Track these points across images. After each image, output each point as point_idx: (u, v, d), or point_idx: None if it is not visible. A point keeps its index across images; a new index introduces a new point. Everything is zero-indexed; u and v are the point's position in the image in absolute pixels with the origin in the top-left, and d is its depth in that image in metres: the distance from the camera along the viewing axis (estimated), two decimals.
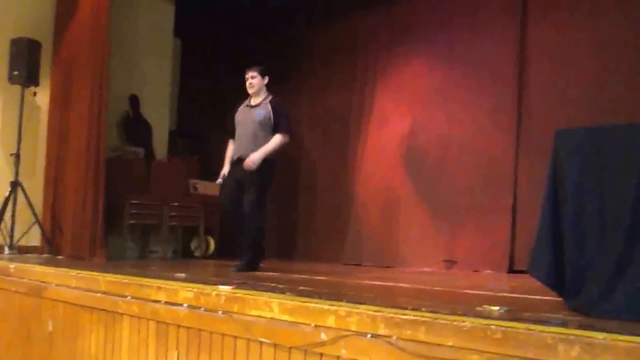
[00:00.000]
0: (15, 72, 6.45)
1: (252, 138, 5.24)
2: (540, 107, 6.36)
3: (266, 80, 5.40)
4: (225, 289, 3.22)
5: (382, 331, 2.42)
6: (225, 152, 5.55)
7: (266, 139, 5.22)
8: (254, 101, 5.41)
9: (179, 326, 3.34)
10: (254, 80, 5.34)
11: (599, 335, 1.93)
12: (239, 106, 5.51)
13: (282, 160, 8.59)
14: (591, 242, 2.55)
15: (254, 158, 5.10)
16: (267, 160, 5.20)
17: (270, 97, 5.38)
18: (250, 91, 5.39)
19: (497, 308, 2.59)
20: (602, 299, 2.41)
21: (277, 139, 5.22)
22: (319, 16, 8.55)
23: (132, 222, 7.09)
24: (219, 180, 5.42)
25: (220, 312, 3.10)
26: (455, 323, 2.23)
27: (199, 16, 9.04)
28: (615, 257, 2.40)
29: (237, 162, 5.31)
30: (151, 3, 8.33)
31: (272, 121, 5.25)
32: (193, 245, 8.06)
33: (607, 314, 2.38)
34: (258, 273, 4.98)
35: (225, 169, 5.42)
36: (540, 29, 6.51)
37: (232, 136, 5.51)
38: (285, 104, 5.48)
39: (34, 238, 6.67)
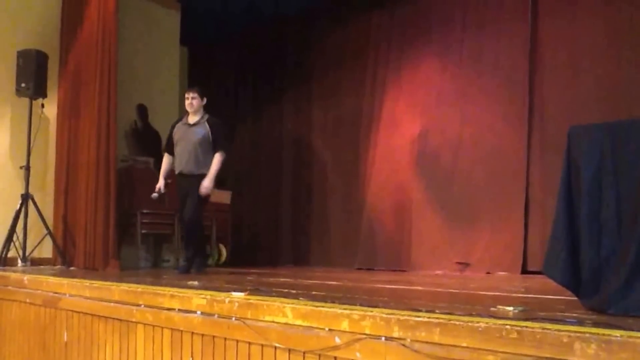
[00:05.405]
0: (23, 85, 6.48)
1: (193, 155, 5.73)
2: (553, 102, 6.30)
3: (204, 101, 5.89)
4: (238, 295, 3.22)
5: (396, 334, 2.41)
6: (161, 165, 6.05)
7: (204, 155, 5.73)
8: (192, 119, 5.84)
9: (193, 333, 3.35)
10: (194, 101, 5.81)
11: (617, 333, 1.91)
12: (177, 123, 5.95)
13: (294, 166, 8.71)
14: (608, 239, 2.51)
15: (206, 185, 5.66)
16: (205, 176, 5.69)
17: (207, 117, 5.85)
18: (189, 110, 5.85)
19: (511, 308, 2.58)
20: (620, 296, 2.38)
21: (217, 160, 5.72)
22: (328, 21, 8.57)
23: (144, 231, 7.10)
24: (154, 194, 5.82)
25: (233, 318, 3.09)
26: (469, 324, 2.22)
27: (205, 24, 9.08)
28: (633, 254, 2.37)
29: (181, 177, 5.85)
30: (157, 12, 8.36)
31: (210, 139, 5.74)
32: None
33: (625, 311, 2.34)
34: (272, 279, 4.98)
35: (161, 183, 5.86)
36: (551, 20, 6.44)
37: (168, 150, 5.99)
38: (223, 124, 6.00)
39: (47, 250, 6.71)
